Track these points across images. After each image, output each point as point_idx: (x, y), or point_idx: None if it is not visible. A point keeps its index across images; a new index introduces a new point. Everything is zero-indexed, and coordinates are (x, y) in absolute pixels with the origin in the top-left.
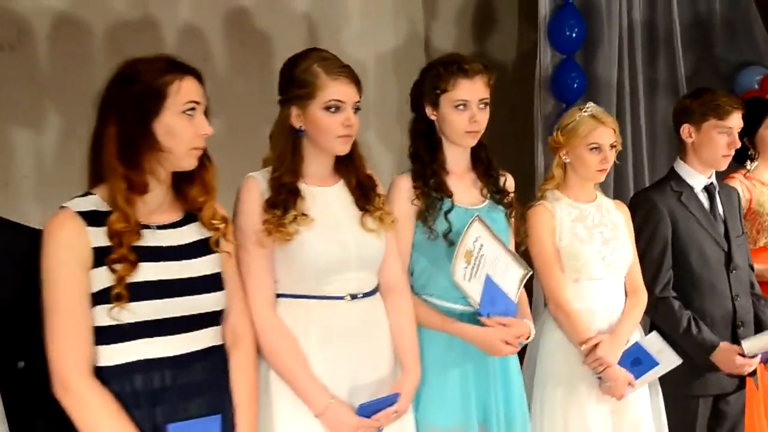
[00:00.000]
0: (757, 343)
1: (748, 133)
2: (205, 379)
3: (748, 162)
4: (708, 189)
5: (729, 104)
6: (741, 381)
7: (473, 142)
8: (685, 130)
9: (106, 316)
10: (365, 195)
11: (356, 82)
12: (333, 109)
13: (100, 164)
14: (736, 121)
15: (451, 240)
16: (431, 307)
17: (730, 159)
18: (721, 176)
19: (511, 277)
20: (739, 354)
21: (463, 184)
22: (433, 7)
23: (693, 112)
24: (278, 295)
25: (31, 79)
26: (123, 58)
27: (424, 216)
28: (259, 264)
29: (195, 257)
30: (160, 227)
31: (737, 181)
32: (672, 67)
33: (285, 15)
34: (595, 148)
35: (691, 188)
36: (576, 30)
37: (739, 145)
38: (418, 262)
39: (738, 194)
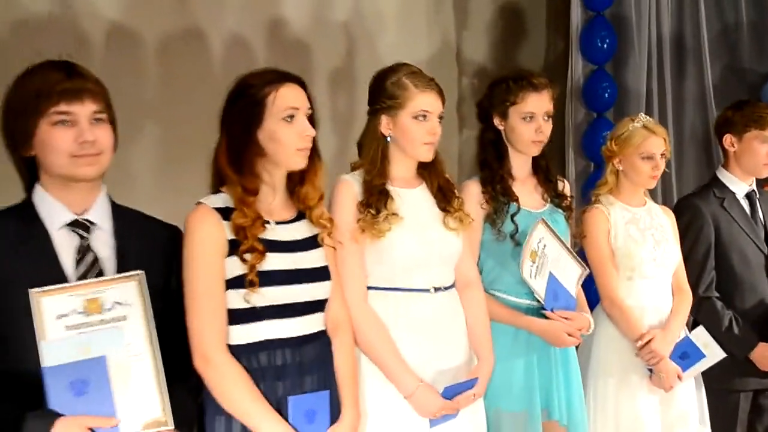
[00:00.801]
0: None
1: None
2: (315, 359)
3: None
4: (749, 196)
5: None
6: None
7: (538, 151)
8: (728, 139)
9: (237, 300)
10: (446, 197)
11: (441, 94)
12: (420, 118)
13: (218, 173)
14: None
15: (517, 240)
16: (500, 302)
17: None
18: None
19: (570, 274)
20: None
21: (526, 190)
22: (465, 18)
23: (735, 123)
24: (369, 288)
25: None
26: (172, 67)
27: (493, 218)
28: (354, 259)
29: (308, 250)
30: (278, 223)
31: None
32: (700, 77)
33: (325, 25)
34: (647, 157)
35: (733, 194)
36: (607, 41)
37: None
38: (486, 261)
39: None
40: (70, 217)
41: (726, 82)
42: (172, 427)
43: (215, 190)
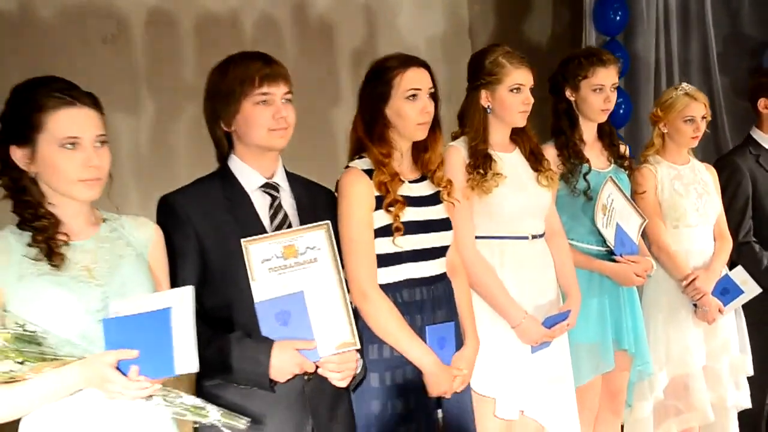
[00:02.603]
0: None
1: None
2: (443, 296)
3: None
4: None
5: None
6: None
7: (605, 117)
8: (762, 103)
9: (385, 245)
10: (537, 159)
11: (532, 69)
12: (515, 91)
13: (358, 140)
14: None
15: (589, 196)
16: (575, 249)
17: None
18: None
19: (633, 224)
20: None
21: (594, 152)
22: None
23: (765, 85)
24: (477, 237)
25: (129, 69)
26: (207, 48)
27: (567, 178)
28: (465, 213)
29: (434, 205)
30: (410, 182)
31: None
32: (704, 46)
33: (347, 6)
34: (689, 119)
35: (767, 151)
36: (620, 13)
37: None
38: (561, 215)
39: None
40: (263, 180)
41: (728, 48)
42: (359, 347)
43: (356, 154)
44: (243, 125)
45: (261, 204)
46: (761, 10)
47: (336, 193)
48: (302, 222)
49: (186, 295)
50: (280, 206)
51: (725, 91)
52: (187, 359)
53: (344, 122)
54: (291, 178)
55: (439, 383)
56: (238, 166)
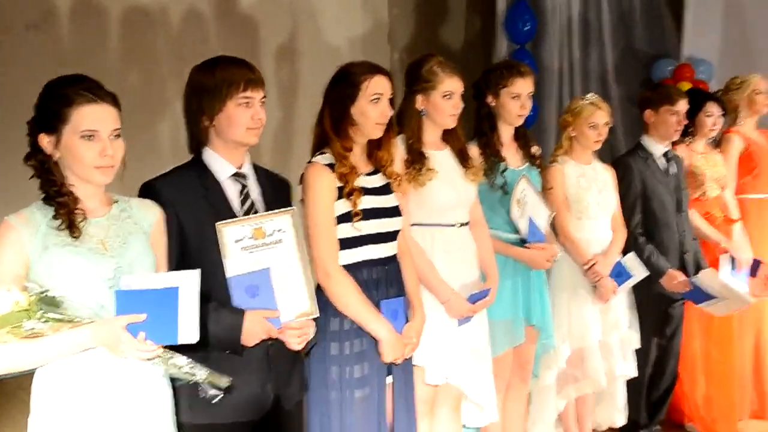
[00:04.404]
0: (706, 280)
1: (690, 116)
2: (395, 274)
3: (689, 137)
4: (666, 155)
5: (677, 94)
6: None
7: (521, 122)
8: (647, 113)
9: (346, 230)
10: (465, 157)
11: (462, 78)
12: (447, 97)
13: (323, 134)
14: (682, 106)
15: (506, 191)
16: (494, 236)
17: (679, 133)
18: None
19: (542, 216)
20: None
21: (510, 152)
22: None
23: (653, 100)
24: (413, 225)
25: (55, 57)
26: (134, 39)
27: (487, 174)
28: (403, 203)
29: (387, 194)
30: (366, 174)
31: (681, 150)
32: (601, 57)
33: (271, 3)
34: (594, 126)
35: (653, 155)
36: (529, 24)
37: (686, 122)
38: (482, 207)
39: (682, 160)
40: (233, 170)
41: (623, 61)
42: (317, 315)
43: (318, 149)
44: (225, 122)
45: (232, 191)
46: (652, 27)
47: (290, 183)
48: (267, 207)
49: (193, 277)
50: (248, 194)
51: (620, 99)
52: (189, 332)
53: (269, 113)
54: (256, 168)
55: (393, 351)
56: (212, 157)
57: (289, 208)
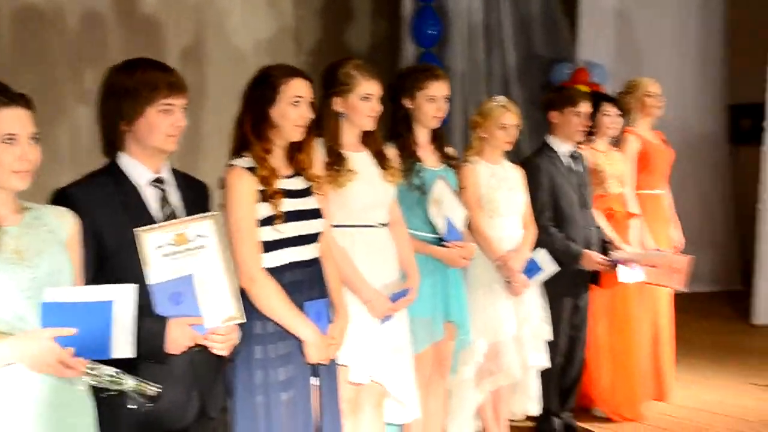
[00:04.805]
0: (611, 257)
1: (591, 116)
2: (318, 276)
3: (591, 136)
4: (571, 154)
5: (580, 96)
6: (587, 286)
7: (438, 124)
8: (552, 115)
9: (268, 233)
10: (383, 159)
11: (380, 80)
12: (365, 99)
13: (243, 136)
14: (585, 107)
15: (423, 191)
16: (413, 236)
17: (583, 133)
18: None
19: (459, 216)
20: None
21: (427, 153)
22: (301, 1)
23: (556, 102)
24: (333, 226)
25: None
26: (29, 38)
27: (405, 175)
28: (324, 205)
29: (308, 197)
30: (286, 177)
31: (584, 149)
32: (503, 61)
33: (175, 4)
34: (504, 127)
35: (558, 154)
36: (435, 28)
37: (589, 123)
38: (400, 207)
39: (585, 158)
40: (152, 175)
41: (524, 64)
42: (243, 320)
43: (237, 152)
44: (144, 128)
45: (151, 197)
46: (550, 32)
47: (210, 187)
48: (188, 212)
49: (129, 291)
50: (168, 199)
51: (522, 102)
52: (123, 346)
53: None
54: (174, 173)
55: (318, 352)
56: (128, 162)
57: (211, 213)
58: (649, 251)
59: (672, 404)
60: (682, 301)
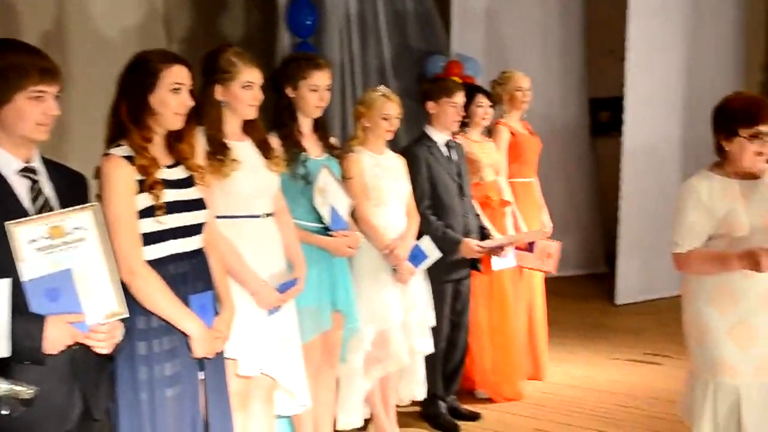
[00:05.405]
0: (488, 243)
1: (465, 107)
2: (203, 268)
3: (466, 127)
4: (448, 144)
5: (455, 87)
6: (469, 271)
7: (320, 113)
8: (429, 105)
9: (149, 225)
10: (266, 148)
11: (261, 68)
12: (247, 87)
13: (120, 124)
14: (460, 98)
15: (308, 180)
16: (298, 226)
17: (458, 123)
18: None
19: (343, 205)
20: (477, 246)
21: (310, 143)
22: None
23: (433, 93)
24: (218, 217)
25: None
26: None
27: (289, 164)
28: (208, 196)
29: (190, 187)
30: (167, 167)
31: (460, 139)
32: (379, 52)
33: None
34: (386, 117)
35: (436, 143)
36: (310, 18)
37: (464, 113)
38: (284, 197)
39: (462, 147)
40: (21, 164)
41: (399, 57)
42: (127, 315)
43: (113, 141)
44: (12, 116)
45: (21, 188)
46: (423, 26)
47: (86, 177)
48: (63, 204)
49: (2, 287)
50: (40, 190)
51: (397, 93)
52: None
53: None
54: (46, 162)
55: (204, 346)
56: None
57: (90, 204)
58: (522, 233)
59: (547, 382)
60: (551, 284)
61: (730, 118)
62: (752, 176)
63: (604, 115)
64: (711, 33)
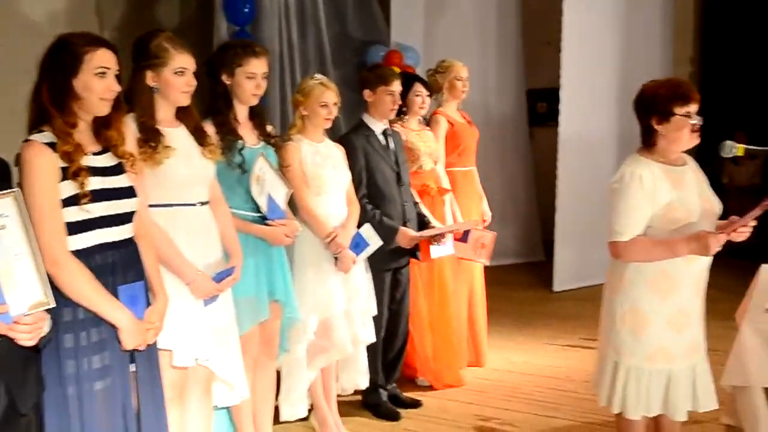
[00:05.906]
0: (425, 233)
1: (402, 96)
2: (133, 258)
3: (403, 116)
4: (385, 132)
5: (392, 75)
6: (408, 260)
7: (256, 101)
8: (365, 93)
9: (74, 214)
10: (201, 135)
11: (192, 55)
12: (179, 74)
13: (41, 109)
14: (397, 86)
15: (244, 169)
16: (234, 215)
17: (395, 112)
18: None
19: (280, 193)
20: (414, 234)
21: (246, 131)
22: None
23: (370, 81)
24: (151, 206)
25: None
26: None
27: (224, 152)
28: (139, 184)
29: (118, 174)
30: (93, 154)
31: (397, 128)
32: (318, 41)
33: None
34: (324, 105)
35: (374, 132)
36: (248, 6)
37: (400, 102)
38: (220, 185)
39: (400, 136)
40: None
41: (338, 46)
42: (53, 305)
43: (35, 126)
44: None
45: None
46: (363, 15)
47: (9, 163)
48: None
49: None
50: None
51: (337, 82)
52: None
53: None
54: None
55: (134, 337)
56: None
57: (10, 191)
58: (459, 222)
59: (487, 368)
60: (491, 273)
61: (665, 99)
62: (679, 163)
63: (541, 106)
64: (642, 26)
